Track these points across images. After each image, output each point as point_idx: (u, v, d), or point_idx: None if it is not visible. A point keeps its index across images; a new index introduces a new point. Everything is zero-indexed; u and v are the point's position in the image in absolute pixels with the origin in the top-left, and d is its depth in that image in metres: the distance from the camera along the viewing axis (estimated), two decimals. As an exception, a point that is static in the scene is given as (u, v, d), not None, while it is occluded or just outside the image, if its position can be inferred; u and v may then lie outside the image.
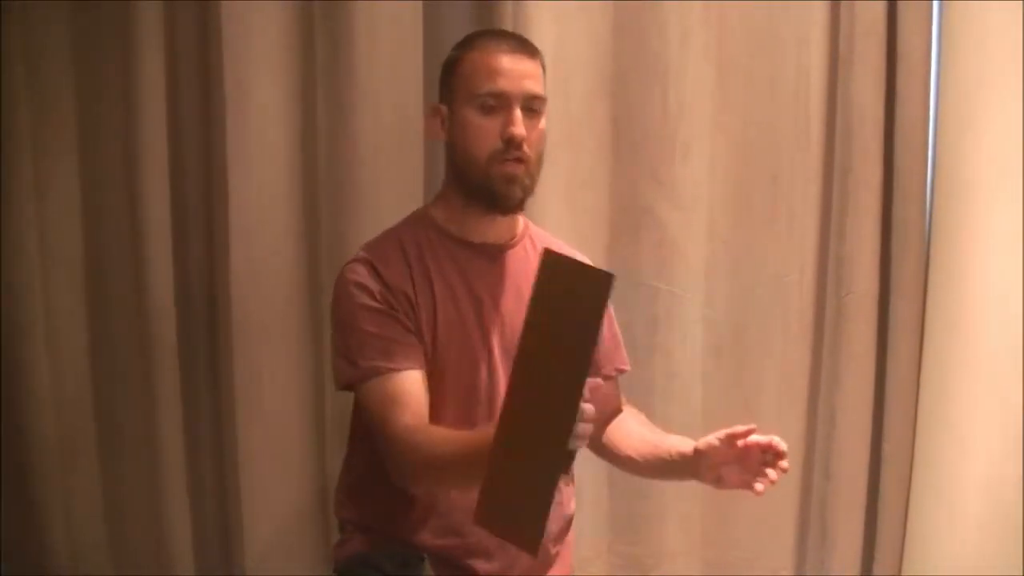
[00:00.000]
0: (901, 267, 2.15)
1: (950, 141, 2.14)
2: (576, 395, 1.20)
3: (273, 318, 2.08)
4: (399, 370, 1.59)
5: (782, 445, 1.59)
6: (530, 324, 1.26)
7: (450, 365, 1.64)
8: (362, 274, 1.63)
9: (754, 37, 2.18)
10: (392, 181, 2.07)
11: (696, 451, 1.62)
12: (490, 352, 1.66)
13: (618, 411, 1.85)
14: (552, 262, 1.24)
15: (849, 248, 2.14)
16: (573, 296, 1.21)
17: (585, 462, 1.80)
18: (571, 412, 1.21)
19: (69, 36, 2.07)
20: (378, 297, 1.61)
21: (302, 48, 2.08)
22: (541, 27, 2.07)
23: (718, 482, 1.62)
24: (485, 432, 1.37)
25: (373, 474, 1.67)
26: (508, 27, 2.04)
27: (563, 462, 1.25)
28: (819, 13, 2.16)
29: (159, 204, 2.06)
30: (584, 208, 2.15)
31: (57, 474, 2.09)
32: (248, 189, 2.05)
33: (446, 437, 1.52)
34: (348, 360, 1.62)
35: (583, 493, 1.85)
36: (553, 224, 2.06)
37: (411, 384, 1.59)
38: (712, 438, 1.59)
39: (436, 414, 1.62)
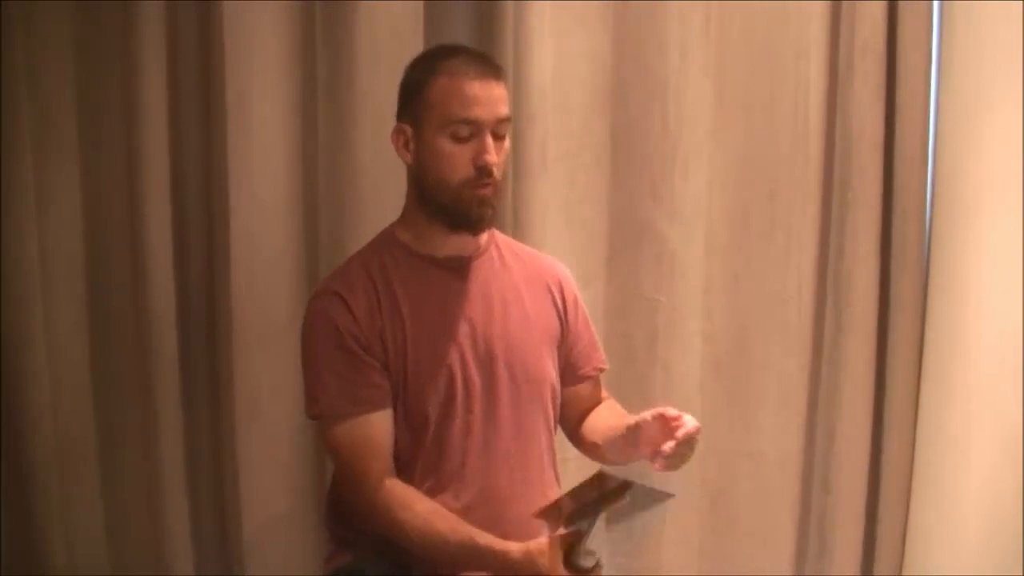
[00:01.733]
0: (900, 282, 2.16)
1: (949, 157, 2.15)
2: None
3: (273, 329, 2.08)
4: (366, 413, 1.62)
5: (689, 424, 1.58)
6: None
7: (427, 381, 1.65)
8: (330, 308, 1.65)
9: (753, 53, 2.19)
10: (392, 193, 2.06)
11: (631, 426, 1.63)
12: (464, 363, 1.67)
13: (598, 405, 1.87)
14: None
15: (848, 263, 2.15)
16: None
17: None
18: None
19: (71, 49, 2.07)
20: (345, 334, 1.63)
21: (303, 60, 2.09)
22: (541, 43, 2.09)
23: (655, 457, 1.59)
24: (466, 539, 1.56)
25: None
26: (509, 43, 2.06)
27: None
28: (818, 29, 2.18)
29: (160, 215, 2.07)
30: (583, 222, 2.16)
31: (57, 483, 2.08)
32: (249, 200, 2.06)
33: (427, 517, 1.59)
34: (312, 396, 1.65)
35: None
36: (552, 238, 2.08)
37: (376, 428, 1.63)
38: (647, 414, 1.60)
39: (417, 426, 1.65)
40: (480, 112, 1.60)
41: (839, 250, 2.16)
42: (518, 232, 2.03)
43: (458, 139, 1.61)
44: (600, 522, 1.47)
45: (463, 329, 1.68)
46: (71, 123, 2.09)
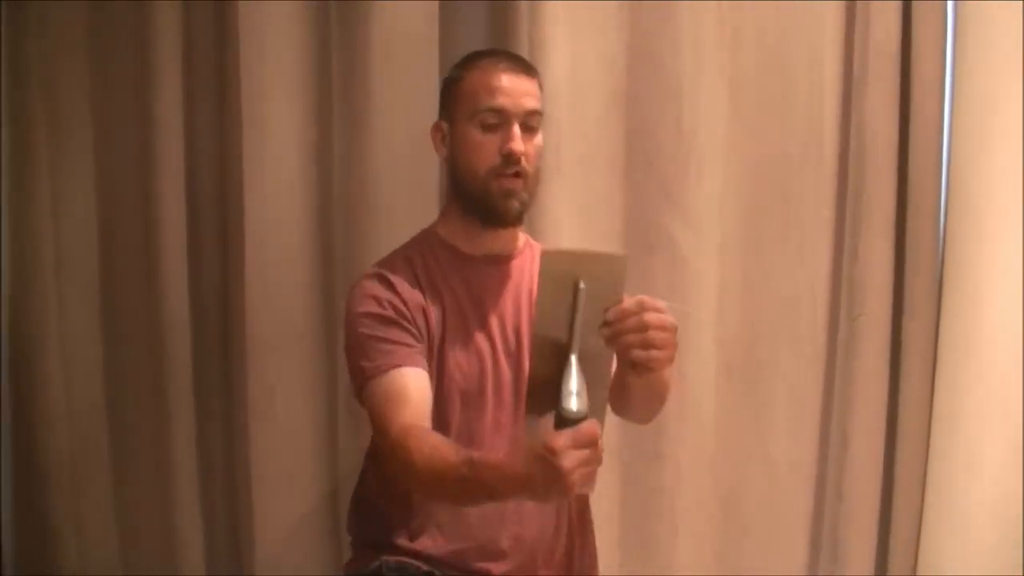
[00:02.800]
0: (914, 288, 2.15)
1: (964, 161, 2.14)
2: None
3: (287, 333, 2.09)
4: (401, 366, 1.61)
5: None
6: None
7: (458, 371, 1.67)
8: (373, 286, 1.67)
9: (768, 55, 2.18)
10: (407, 198, 2.08)
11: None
12: (496, 358, 1.69)
13: None
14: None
15: (862, 269, 2.14)
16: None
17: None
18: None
19: (86, 55, 2.08)
20: (387, 306, 1.65)
21: (318, 66, 2.09)
22: (556, 46, 2.08)
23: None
24: (487, 465, 1.41)
25: (383, 490, 1.68)
26: (524, 46, 2.05)
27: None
28: (832, 33, 2.16)
29: (174, 220, 2.07)
30: (597, 226, 2.15)
31: (69, 487, 2.09)
32: (263, 205, 2.06)
33: (447, 452, 1.49)
34: (355, 366, 1.65)
35: (595, 512, 1.85)
36: (566, 241, 2.07)
37: (413, 381, 1.61)
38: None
39: (445, 419, 1.66)
40: (506, 101, 1.65)
41: (853, 254, 2.15)
42: (531, 235, 2.02)
43: (486, 128, 1.66)
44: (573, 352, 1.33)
45: (495, 324, 1.70)
46: (86, 128, 2.10)
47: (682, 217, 2.16)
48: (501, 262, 1.74)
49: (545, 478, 1.30)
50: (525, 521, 1.69)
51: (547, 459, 1.28)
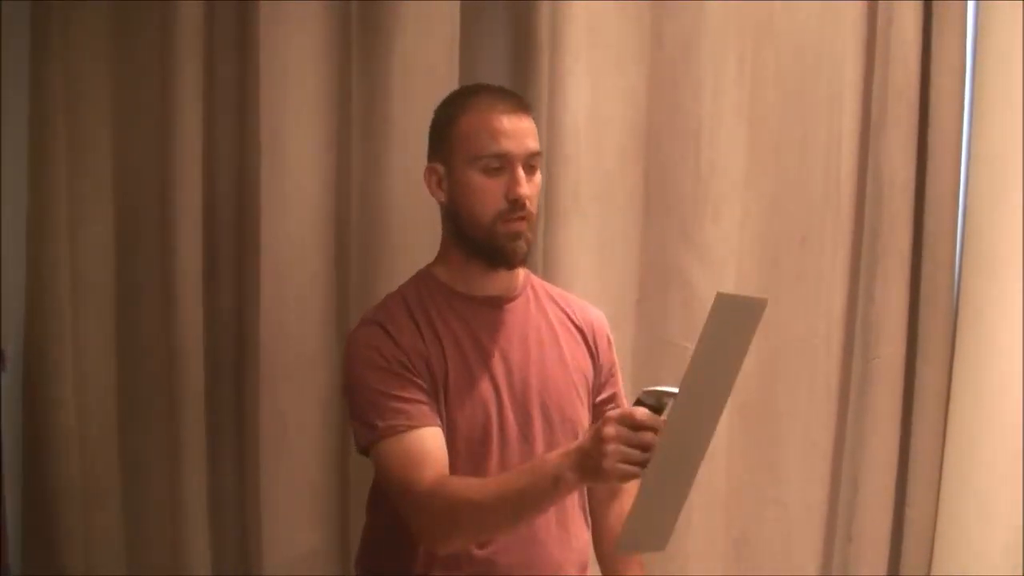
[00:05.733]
0: (928, 333, 2.15)
1: (980, 208, 2.15)
2: (720, 409, 1.37)
3: (300, 362, 2.09)
4: (418, 427, 1.59)
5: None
6: (698, 361, 1.32)
7: (462, 418, 1.64)
8: (373, 336, 1.64)
9: (787, 97, 2.19)
10: (423, 229, 2.06)
11: None
12: (500, 404, 1.66)
13: None
14: (723, 303, 1.32)
15: (877, 312, 2.14)
16: (733, 328, 1.34)
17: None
18: (714, 426, 1.38)
19: (107, 81, 2.09)
20: (390, 358, 1.62)
21: (338, 96, 2.10)
22: (577, 84, 2.09)
23: None
24: (518, 471, 1.48)
25: (394, 532, 1.67)
26: (544, 84, 2.07)
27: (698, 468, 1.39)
28: (851, 74, 2.17)
29: (192, 246, 2.07)
30: (614, 264, 2.16)
31: (80, 512, 2.09)
32: (280, 235, 2.07)
33: (481, 482, 1.53)
34: (364, 422, 1.61)
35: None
36: (583, 280, 2.07)
37: (431, 441, 1.59)
38: None
39: (452, 464, 1.62)
40: (510, 145, 1.61)
41: (868, 298, 2.15)
42: (548, 273, 2.03)
43: (489, 173, 1.62)
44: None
45: (500, 369, 1.67)
46: (106, 153, 2.10)
47: (699, 256, 2.16)
48: (502, 304, 1.71)
49: (591, 449, 1.36)
50: (542, 556, 1.67)
51: (599, 431, 1.35)
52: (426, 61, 2.07)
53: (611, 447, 1.34)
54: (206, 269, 2.11)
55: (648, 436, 1.34)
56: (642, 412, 1.36)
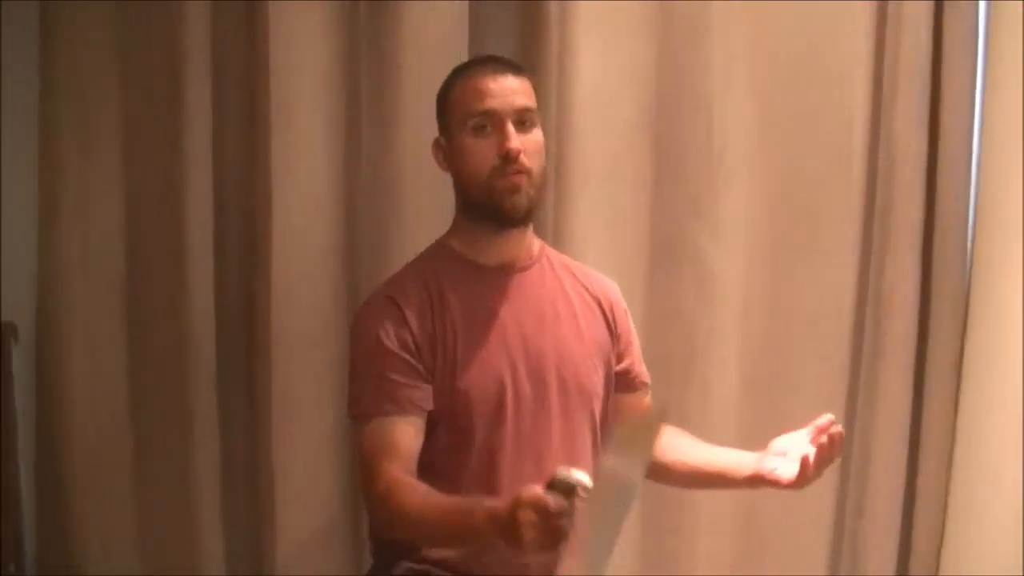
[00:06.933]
0: (940, 304, 2.15)
1: (993, 179, 2.13)
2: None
3: (311, 338, 2.09)
4: (402, 415, 1.62)
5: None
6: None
7: (477, 389, 1.66)
8: (381, 310, 1.67)
9: (798, 71, 2.17)
10: (433, 203, 2.07)
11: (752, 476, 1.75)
12: (515, 372, 1.68)
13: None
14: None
15: (888, 284, 2.14)
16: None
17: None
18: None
19: (115, 63, 2.09)
20: (394, 336, 1.64)
21: (347, 73, 2.09)
22: (586, 59, 2.09)
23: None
24: (457, 509, 1.48)
25: None
26: (552, 61, 2.07)
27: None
28: (863, 48, 2.16)
29: (202, 224, 2.08)
30: (624, 239, 2.16)
31: (92, 490, 2.10)
32: (290, 211, 2.07)
33: (423, 502, 1.53)
34: (355, 396, 1.67)
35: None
36: (593, 255, 2.07)
37: (407, 434, 1.62)
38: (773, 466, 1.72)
39: (464, 435, 1.65)
40: (494, 103, 1.65)
41: (879, 272, 2.15)
42: (559, 247, 2.01)
43: (479, 133, 1.66)
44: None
45: (514, 338, 1.69)
46: (115, 137, 2.11)
47: (709, 230, 2.16)
48: (515, 272, 1.73)
49: (509, 527, 1.33)
50: None
51: (512, 514, 1.32)
52: (435, 35, 2.07)
53: (527, 531, 1.31)
54: (217, 248, 2.11)
55: (560, 522, 1.31)
56: (553, 502, 1.31)
